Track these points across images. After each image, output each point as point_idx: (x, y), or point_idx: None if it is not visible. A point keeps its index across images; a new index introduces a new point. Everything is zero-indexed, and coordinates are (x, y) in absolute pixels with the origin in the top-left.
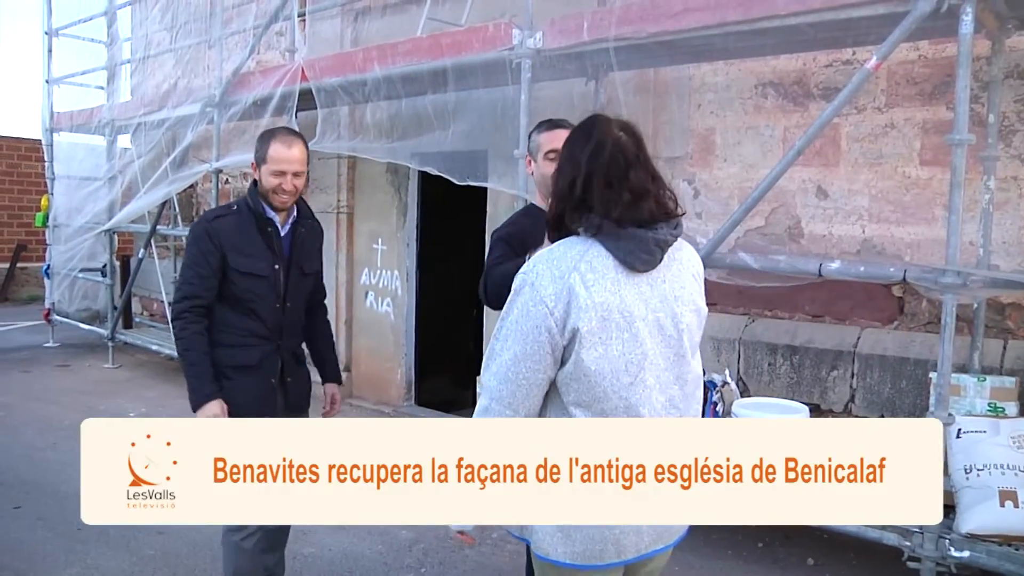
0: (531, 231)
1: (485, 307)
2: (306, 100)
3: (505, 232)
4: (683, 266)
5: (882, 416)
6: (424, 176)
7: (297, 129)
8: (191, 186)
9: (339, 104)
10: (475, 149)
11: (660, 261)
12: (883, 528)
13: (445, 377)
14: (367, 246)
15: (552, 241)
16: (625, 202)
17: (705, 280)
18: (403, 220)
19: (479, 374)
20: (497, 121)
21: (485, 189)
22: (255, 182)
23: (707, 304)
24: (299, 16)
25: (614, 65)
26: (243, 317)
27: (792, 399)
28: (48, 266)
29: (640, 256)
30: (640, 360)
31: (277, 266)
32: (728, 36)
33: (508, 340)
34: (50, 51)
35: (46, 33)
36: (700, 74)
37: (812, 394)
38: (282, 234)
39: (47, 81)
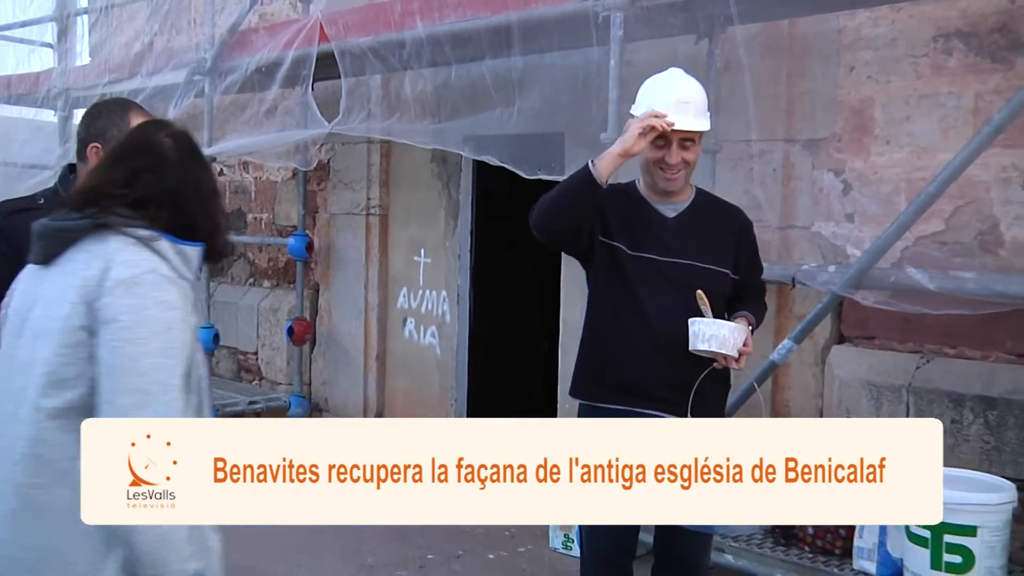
0: (622, 201)
1: (560, 340)
2: (326, 66)
3: None
4: (73, 265)
5: None
6: (481, 168)
7: (314, 104)
8: None
9: (369, 72)
10: (548, 132)
11: (51, 255)
12: None
13: None
14: (406, 259)
15: None
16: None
17: (858, 304)
18: (453, 225)
19: None
20: (577, 94)
21: None
22: (71, 169)
23: (863, 336)
24: None
25: (734, 17)
26: None
27: (988, 471)
28: None
29: (31, 247)
30: None
31: None
32: None
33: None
34: None
35: None
36: (854, 25)
37: (1019, 466)
38: None
39: None
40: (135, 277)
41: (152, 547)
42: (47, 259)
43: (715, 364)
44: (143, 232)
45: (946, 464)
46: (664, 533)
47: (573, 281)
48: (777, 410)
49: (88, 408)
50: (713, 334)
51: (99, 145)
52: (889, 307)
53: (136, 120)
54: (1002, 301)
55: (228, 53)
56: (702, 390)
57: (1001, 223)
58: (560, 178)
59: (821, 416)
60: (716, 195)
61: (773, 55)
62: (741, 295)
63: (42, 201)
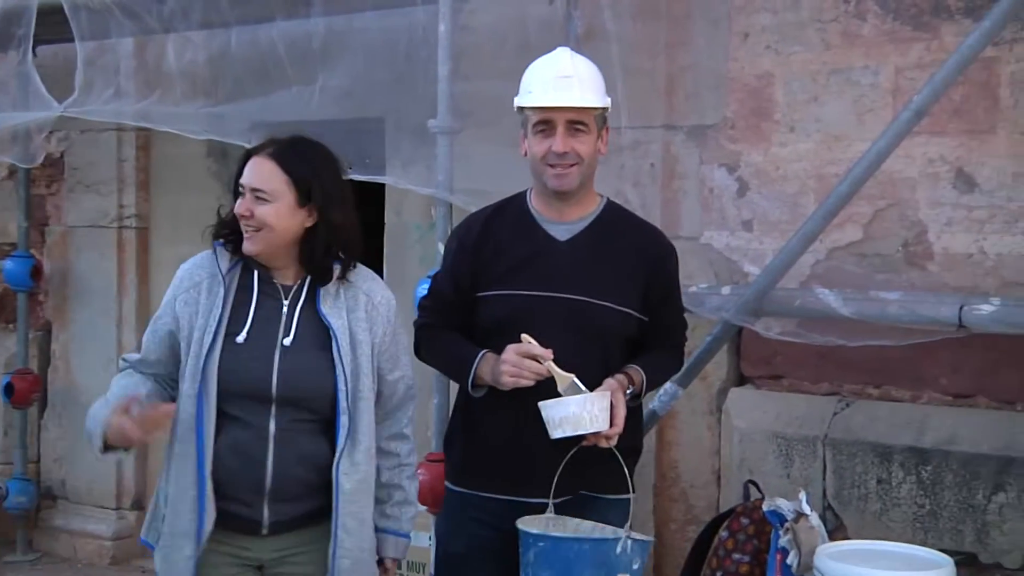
0: (501, 229)
1: None
2: (53, 24)
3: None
4: None
5: None
6: None
7: (37, 76)
8: None
9: (116, 35)
10: (362, 117)
11: None
12: None
13: None
14: None
15: None
16: None
17: (760, 336)
18: None
19: None
20: (398, 69)
21: (381, 187)
22: None
23: (767, 376)
24: None
25: None
26: None
27: (924, 543)
28: None
29: None
30: None
31: None
32: None
33: None
34: None
35: None
36: None
37: (960, 534)
38: None
39: None
40: None
41: None
42: None
43: (584, 442)
44: None
45: (873, 535)
46: None
47: (409, 315)
48: (663, 473)
49: None
50: (562, 416)
51: None
52: (796, 339)
53: None
54: (932, 328)
55: None
56: (591, 470)
57: (929, 230)
58: (380, 178)
59: (718, 479)
60: (631, 211)
61: (647, 19)
62: (647, 342)
63: None
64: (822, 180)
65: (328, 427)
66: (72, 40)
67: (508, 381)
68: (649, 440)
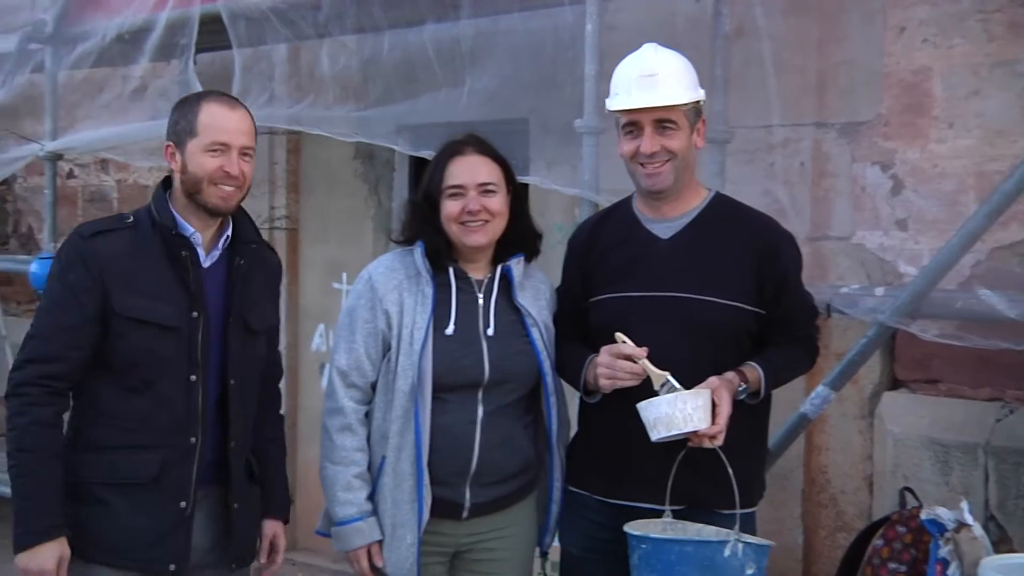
0: (607, 233)
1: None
2: (213, 33)
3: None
4: None
5: None
6: (420, 166)
7: (197, 83)
8: (3, 182)
9: (272, 41)
10: (507, 118)
11: None
12: None
13: None
14: (323, 285)
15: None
16: None
17: (916, 339)
18: (384, 240)
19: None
20: (544, 70)
21: (526, 187)
22: (167, 181)
23: (923, 380)
24: None
25: None
26: (132, 397)
27: None
28: None
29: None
30: None
31: (196, 313)
32: None
33: None
34: None
35: None
36: None
37: None
38: (205, 263)
39: None
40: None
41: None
42: None
43: (689, 443)
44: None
45: None
46: None
47: None
48: (812, 478)
49: None
50: (655, 417)
51: (171, 144)
52: (956, 342)
53: (210, 108)
54: None
55: (77, 13)
56: (701, 481)
57: None
58: (525, 178)
59: (871, 485)
60: (741, 203)
61: (799, 15)
62: (770, 336)
63: (131, 220)
64: (983, 177)
65: (525, 413)
66: (230, 48)
67: (605, 384)
68: (797, 445)
